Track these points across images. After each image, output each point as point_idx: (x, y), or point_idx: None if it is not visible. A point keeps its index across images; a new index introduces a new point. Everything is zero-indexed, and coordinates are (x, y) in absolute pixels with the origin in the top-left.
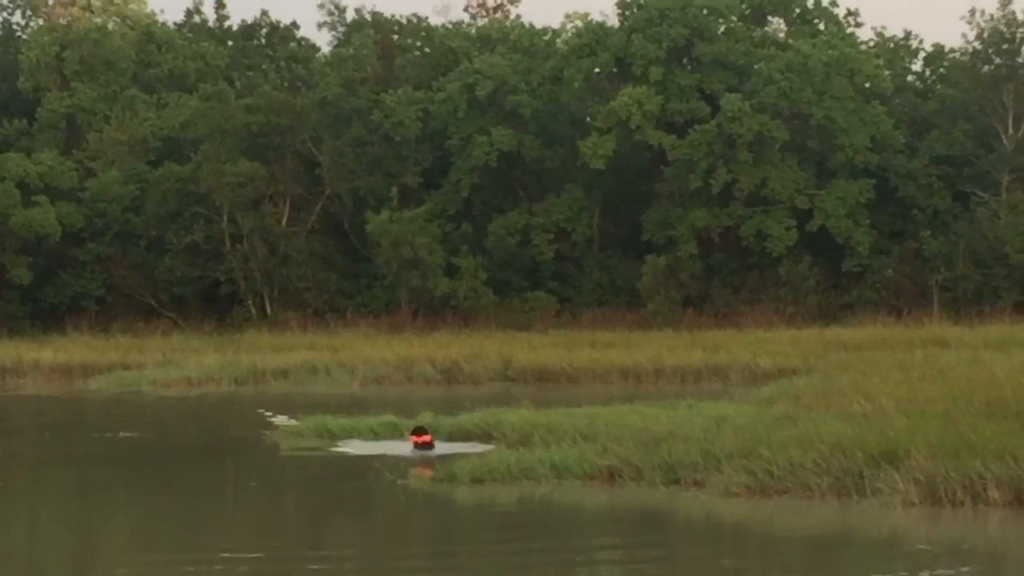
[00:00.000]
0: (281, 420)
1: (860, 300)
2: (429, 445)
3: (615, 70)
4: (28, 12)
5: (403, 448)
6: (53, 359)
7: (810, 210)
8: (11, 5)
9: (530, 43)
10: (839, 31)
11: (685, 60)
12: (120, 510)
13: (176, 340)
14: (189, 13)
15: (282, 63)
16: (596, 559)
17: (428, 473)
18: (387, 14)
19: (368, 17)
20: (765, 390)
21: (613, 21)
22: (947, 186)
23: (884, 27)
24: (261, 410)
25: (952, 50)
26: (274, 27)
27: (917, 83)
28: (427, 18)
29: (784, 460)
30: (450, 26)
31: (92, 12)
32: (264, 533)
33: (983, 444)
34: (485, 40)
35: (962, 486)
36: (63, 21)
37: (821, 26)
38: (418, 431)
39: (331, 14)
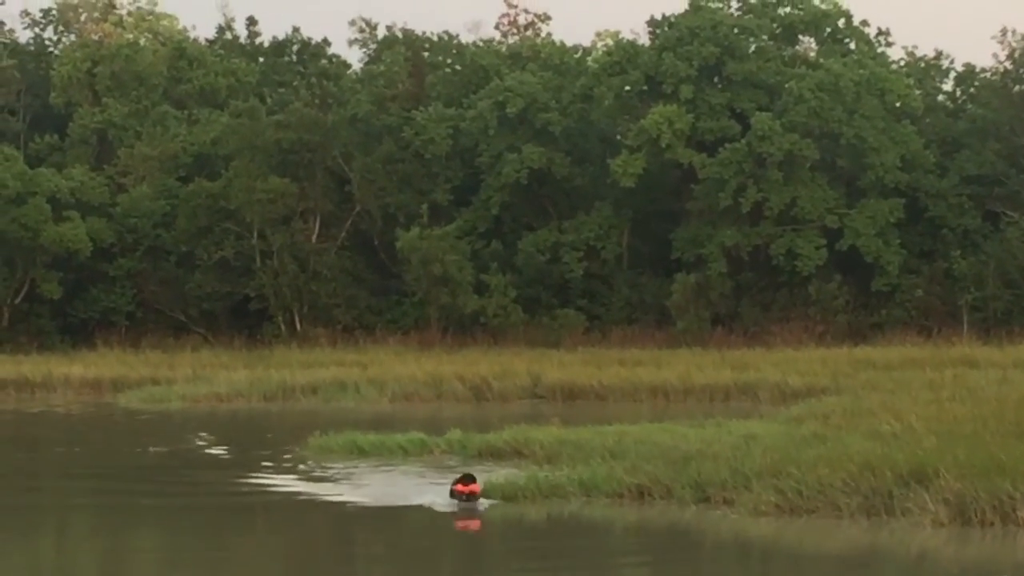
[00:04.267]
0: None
1: (889, 319)
2: (475, 496)
3: (645, 88)
4: (60, 28)
5: (436, 494)
6: (83, 374)
7: (840, 229)
8: (43, 20)
9: (561, 61)
10: (870, 50)
11: (716, 79)
12: (145, 528)
13: (206, 356)
14: (221, 29)
15: (313, 80)
16: None
17: (474, 527)
18: (418, 31)
19: (399, 34)
20: (794, 409)
21: (644, 39)
22: (977, 206)
23: (915, 47)
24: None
25: (983, 70)
26: (305, 44)
27: (948, 103)
28: (458, 35)
29: (813, 479)
30: (481, 44)
31: (124, 28)
32: (290, 554)
33: (1013, 464)
34: (516, 58)
35: (991, 506)
36: (95, 37)
37: (852, 45)
38: (466, 479)
39: (362, 31)
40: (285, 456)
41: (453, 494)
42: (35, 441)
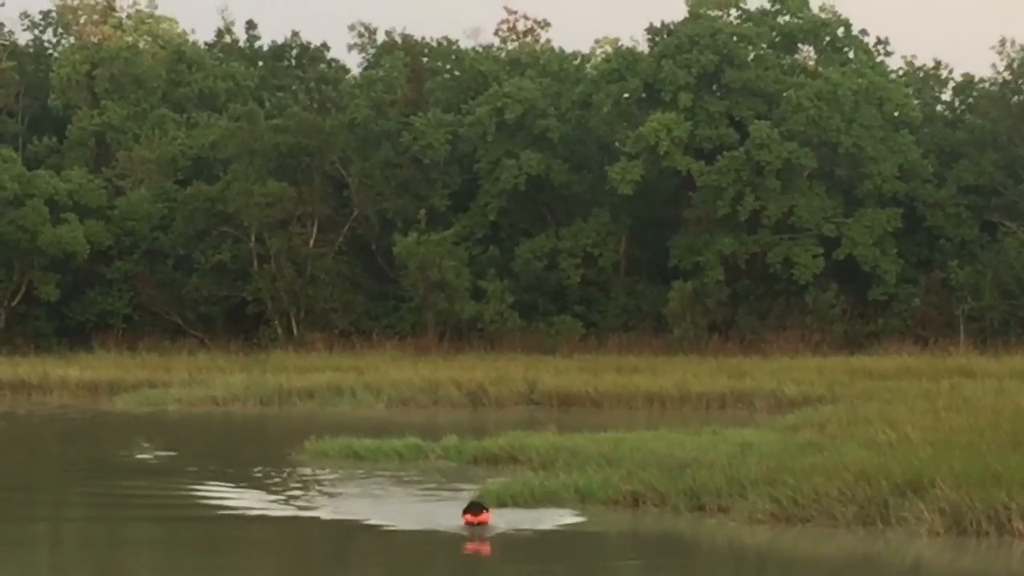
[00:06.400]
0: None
1: (886, 329)
2: (483, 524)
3: (644, 96)
4: (60, 30)
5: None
6: (79, 376)
7: (837, 238)
8: (43, 23)
9: (560, 67)
10: (869, 60)
11: (714, 87)
12: (138, 531)
13: (202, 359)
14: (220, 33)
15: (312, 84)
16: None
17: (485, 550)
18: (417, 37)
19: (398, 40)
20: (790, 417)
21: (643, 47)
22: (975, 216)
23: (914, 56)
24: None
25: (982, 80)
26: (304, 48)
27: (946, 112)
28: (457, 41)
29: (809, 488)
30: (480, 50)
31: (123, 31)
32: (281, 561)
33: (1008, 475)
34: (515, 64)
35: (987, 516)
36: (94, 39)
37: (851, 54)
38: (474, 508)
39: (361, 36)
40: (281, 462)
41: (465, 524)
42: (30, 443)
